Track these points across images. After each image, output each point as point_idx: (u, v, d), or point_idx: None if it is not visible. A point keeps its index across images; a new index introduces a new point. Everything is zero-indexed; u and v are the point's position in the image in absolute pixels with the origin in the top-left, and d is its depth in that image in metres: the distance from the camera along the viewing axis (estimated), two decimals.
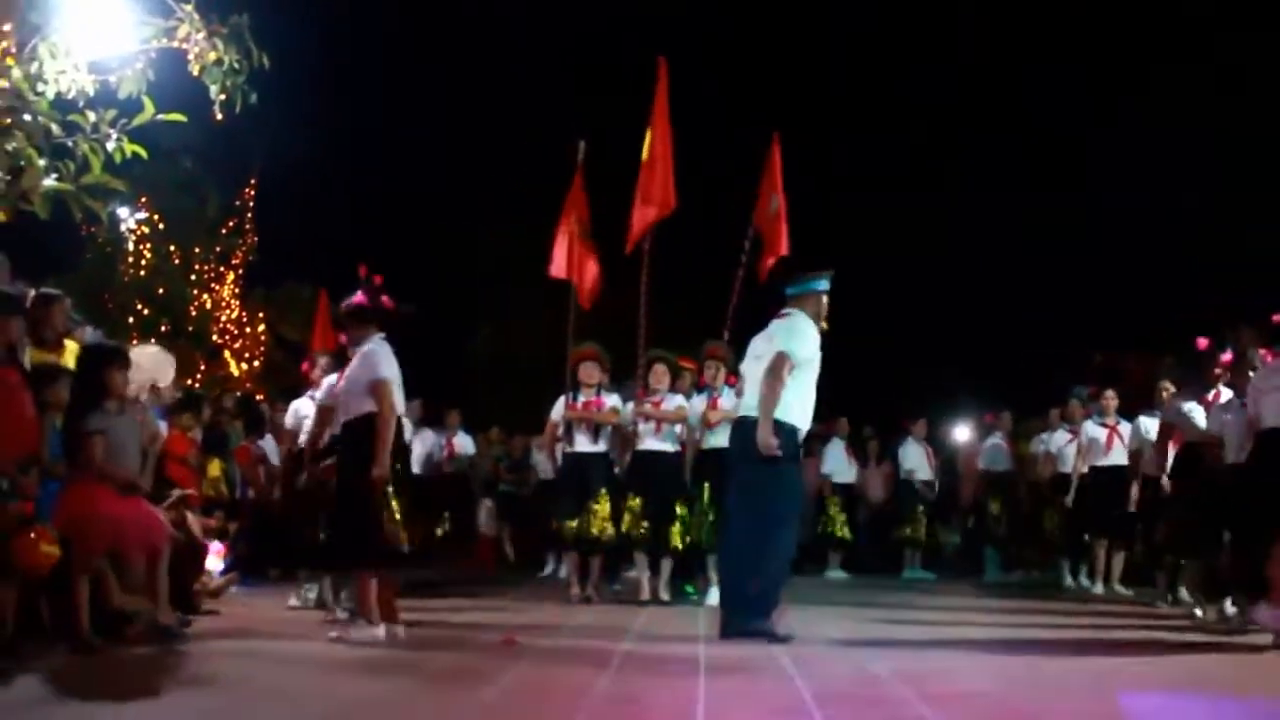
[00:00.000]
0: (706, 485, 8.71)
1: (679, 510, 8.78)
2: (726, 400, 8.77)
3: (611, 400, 9.06)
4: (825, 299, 6.60)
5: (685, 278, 15.33)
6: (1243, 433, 7.00)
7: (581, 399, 9.02)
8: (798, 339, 6.35)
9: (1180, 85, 18.42)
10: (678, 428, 9.07)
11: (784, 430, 6.26)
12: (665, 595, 8.83)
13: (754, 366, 6.47)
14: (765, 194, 10.10)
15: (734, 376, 8.75)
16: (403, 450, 6.43)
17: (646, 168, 9.61)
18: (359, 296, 6.51)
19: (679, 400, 9.13)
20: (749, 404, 6.44)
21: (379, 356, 6.23)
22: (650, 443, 8.98)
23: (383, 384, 6.12)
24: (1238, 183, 17.53)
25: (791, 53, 22.21)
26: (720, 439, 8.49)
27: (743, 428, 6.42)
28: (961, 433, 15.37)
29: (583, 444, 8.95)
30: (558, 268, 9.82)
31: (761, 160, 10.30)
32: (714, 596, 8.33)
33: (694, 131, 10.75)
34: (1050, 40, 20.59)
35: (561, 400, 9.21)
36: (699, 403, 9.04)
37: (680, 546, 8.78)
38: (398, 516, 6.03)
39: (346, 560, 6.39)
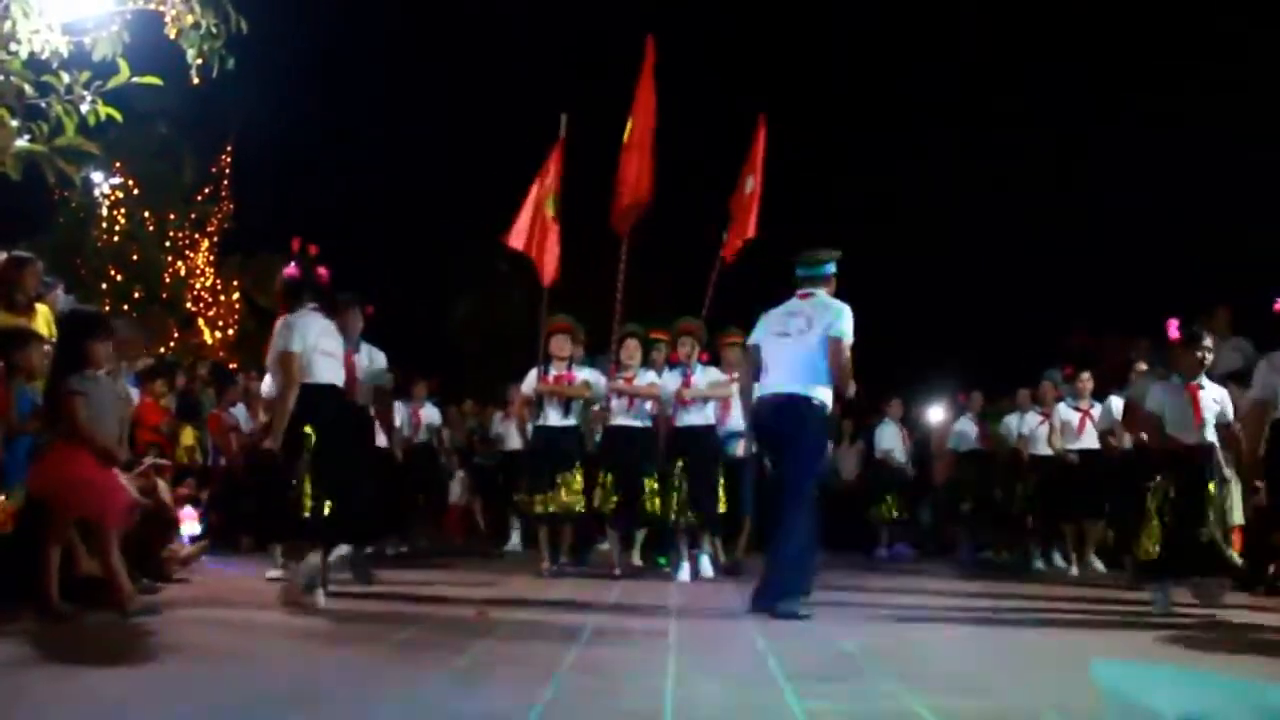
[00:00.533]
0: (680, 461, 8.86)
1: (650, 484, 8.90)
2: (700, 377, 9.01)
3: (584, 374, 9.07)
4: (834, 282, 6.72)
5: (666, 254, 15.33)
6: (1188, 413, 7.12)
7: (553, 372, 8.99)
8: (848, 323, 6.41)
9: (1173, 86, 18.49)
10: (649, 404, 9.09)
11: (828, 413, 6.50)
12: (638, 561, 9.12)
13: (786, 345, 6.45)
14: (745, 175, 10.17)
15: (706, 353, 9.32)
16: (343, 421, 6.47)
17: (627, 152, 9.61)
18: (290, 268, 6.57)
19: (651, 376, 9.19)
20: (790, 382, 6.40)
21: (290, 329, 6.30)
22: (622, 419, 9.04)
23: (280, 357, 6.25)
24: (1227, 178, 17.57)
25: (786, 40, 22.17)
26: (694, 416, 8.97)
27: (795, 406, 6.36)
28: (936, 413, 15.48)
29: (554, 417, 8.94)
30: (516, 238, 9.83)
31: (747, 141, 10.30)
32: (685, 572, 8.81)
33: (681, 108, 10.83)
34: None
35: (533, 373, 9.17)
36: (672, 379, 9.10)
37: (655, 515, 8.92)
38: (306, 488, 6.06)
39: (262, 534, 6.64)
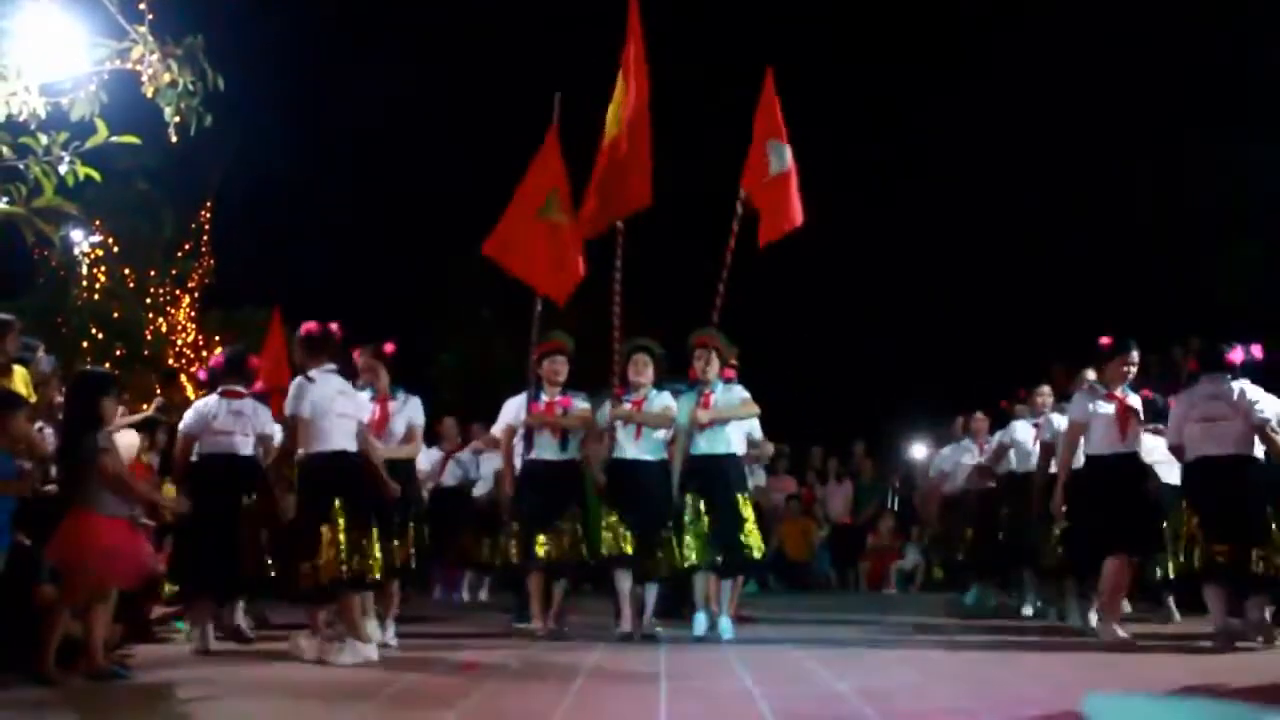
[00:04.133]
0: (695, 499, 7.32)
1: (665, 534, 7.32)
2: (721, 396, 7.52)
3: (582, 401, 7.74)
4: None
5: (662, 254, 13.70)
6: (1113, 424, 7.14)
7: (545, 399, 7.69)
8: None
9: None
10: (661, 432, 7.62)
11: None
12: (653, 631, 7.39)
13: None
14: (759, 145, 7.99)
15: (729, 369, 7.83)
16: (359, 487, 6.46)
17: (615, 146, 7.96)
18: (309, 324, 6.65)
19: (665, 400, 7.62)
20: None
21: (302, 391, 6.37)
22: (630, 450, 7.52)
23: (288, 419, 6.42)
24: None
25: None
26: (713, 443, 7.45)
27: None
28: (918, 449, 15.47)
29: (547, 451, 7.61)
30: (495, 246, 7.98)
31: (748, 109, 8.14)
32: (702, 624, 7.33)
33: (671, 79, 8.85)
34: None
35: (517, 400, 7.86)
36: (687, 401, 7.57)
37: (674, 568, 7.33)
38: (334, 553, 6.18)
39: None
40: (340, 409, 6.43)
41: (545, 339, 7.84)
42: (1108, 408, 7.17)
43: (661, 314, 9.77)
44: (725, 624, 7.30)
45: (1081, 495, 7.22)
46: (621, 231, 7.95)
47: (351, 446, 6.47)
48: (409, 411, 7.48)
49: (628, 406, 7.57)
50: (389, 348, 7.49)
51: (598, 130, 8.11)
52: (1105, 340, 7.38)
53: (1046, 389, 9.10)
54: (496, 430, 8.10)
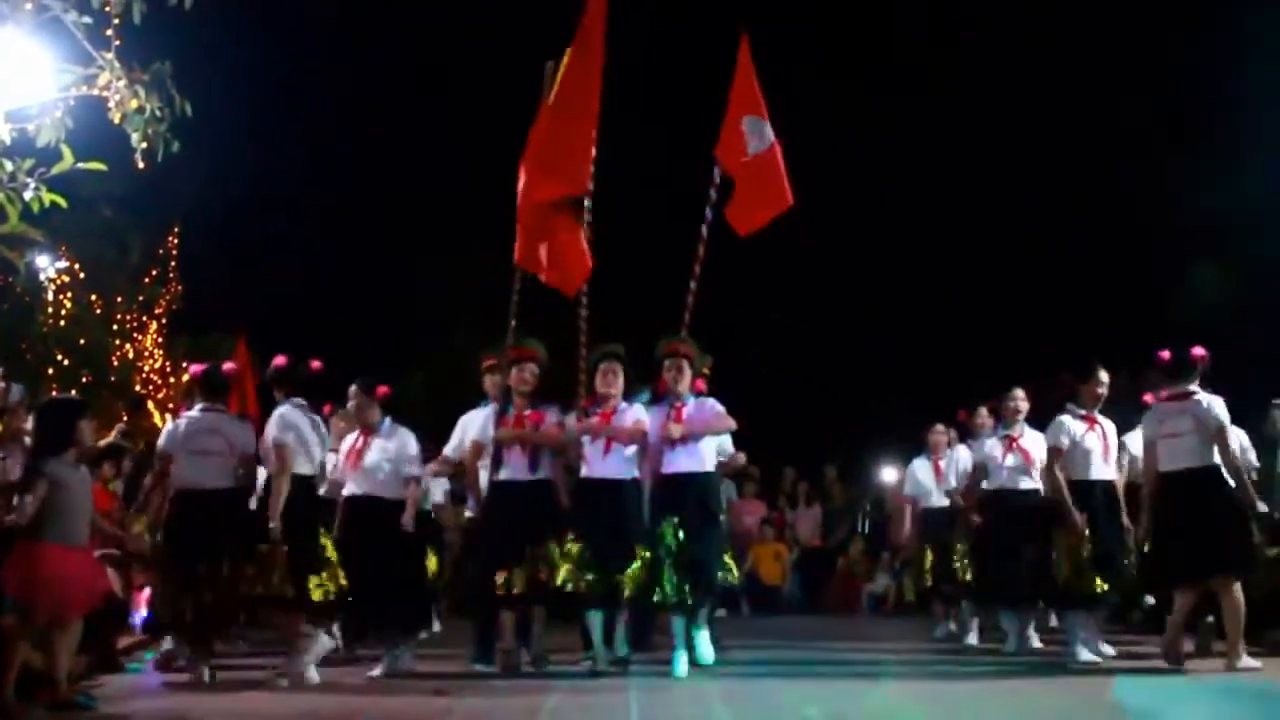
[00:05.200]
0: (672, 527, 6.63)
1: (642, 553, 6.64)
2: (694, 410, 6.91)
3: (555, 415, 7.10)
4: None
5: (623, 253, 11.51)
6: (1089, 447, 7.31)
7: (514, 412, 7.05)
8: None
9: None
10: (632, 448, 6.96)
11: None
12: (621, 651, 6.95)
13: None
14: (734, 122, 7.27)
15: (701, 380, 7.29)
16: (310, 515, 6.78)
17: (557, 118, 7.16)
18: (279, 359, 6.97)
19: (637, 412, 7.03)
20: None
21: (276, 420, 6.77)
22: (598, 468, 6.89)
23: (275, 448, 6.71)
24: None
25: None
26: (686, 461, 6.81)
27: None
28: (889, 473, 15.44)
29: (516, 470, 6.94)
30: (529, 257, 7.29)
31: (721, 79, 7.35)
32: (683, 664, 6.63)
33: (635, 43, 8.11)
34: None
35: (482, 412, 7.32)
36: (657, 414, 6.98)
37: (638, 595, 6.63)
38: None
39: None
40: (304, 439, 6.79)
41: (516, 344, 7.22)
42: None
43: (624, 316, 8.47)
44: (703, 642, 6.92)
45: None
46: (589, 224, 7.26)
47: (305, 471, 6.81)
48: (396, 443, 7.20)
49: (596, 420, 6.94)
50: (382, 390, 7.35)
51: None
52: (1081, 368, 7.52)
53: (1020, 394, 8.25)
54: (451, 450, 7.52)
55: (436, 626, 8.97)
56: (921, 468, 9.57)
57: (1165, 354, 6.90)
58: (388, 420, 7.28)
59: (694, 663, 6.73)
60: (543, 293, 7.43)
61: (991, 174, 19.34)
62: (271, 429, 6.75)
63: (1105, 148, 18.64)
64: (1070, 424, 7.40)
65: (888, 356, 20.36)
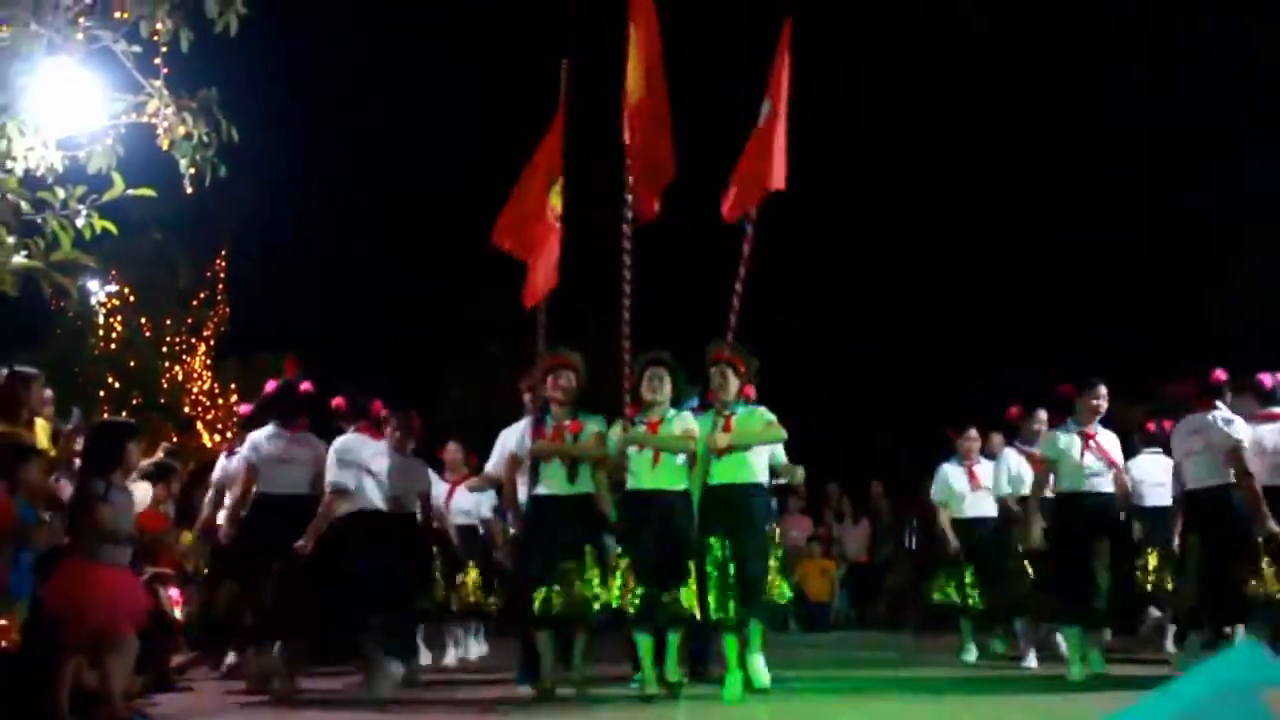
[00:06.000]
0: (721, 544, 6.31)
1: (690, 570, 6.31)
2: (743, 420, 6.58)
3: (595, 424, 6.73)
4: None
5: (666, 257, 11.88)
6: (1080, 460, 7.26)
7: (552, 423, 6.77)
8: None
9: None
10: (681, 458, 6.55)
11: None
12: (672, 675, 6.45)
13: None
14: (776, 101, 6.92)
15: (751, 387, 6.94)
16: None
17: (640, 117, 6.98)
18: (269, 385, 7.53)
19: (686, 421, 6.66)
20: None
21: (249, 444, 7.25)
22: (647, 480, 6.49)
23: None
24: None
25: None
26: (733, 472, 6.49)
27: None
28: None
29: (554, 484, 6.60)
30: (508, 238, 7.28)
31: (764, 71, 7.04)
32: (733, 688, 6.21)
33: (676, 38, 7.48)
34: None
35: (515, 429, 7.10)
36: (704, 422, 6.66)
37: (691, 613, 6.26)
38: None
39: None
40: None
41: (551, 354, 6.93)
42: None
43: (669, 323, 8.32)
44: (758, 668, 6.59)
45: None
46: (630, 224, 7.00)
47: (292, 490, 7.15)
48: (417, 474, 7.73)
49: (642, 429, 6.57)
50: (416, 421, 7.68)
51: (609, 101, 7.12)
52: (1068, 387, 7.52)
53: (1103, 390, 7.48)
54: (491, 466, 7.39)
55: (426, 658, 8.58)
56: (954, 474, 8.96)
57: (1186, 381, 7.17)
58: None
59: (750, 687, 6.38)
60: (576, 299, 7.51)
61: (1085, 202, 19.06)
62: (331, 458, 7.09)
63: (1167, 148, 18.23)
64: (1063, 437, 7.36)
65: (939, 374, 20.16)
